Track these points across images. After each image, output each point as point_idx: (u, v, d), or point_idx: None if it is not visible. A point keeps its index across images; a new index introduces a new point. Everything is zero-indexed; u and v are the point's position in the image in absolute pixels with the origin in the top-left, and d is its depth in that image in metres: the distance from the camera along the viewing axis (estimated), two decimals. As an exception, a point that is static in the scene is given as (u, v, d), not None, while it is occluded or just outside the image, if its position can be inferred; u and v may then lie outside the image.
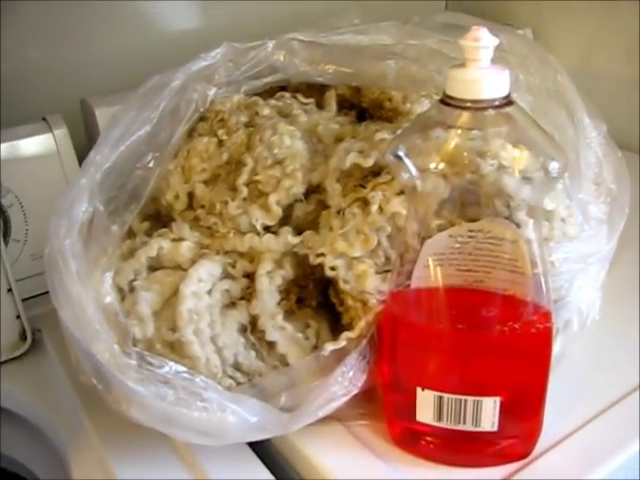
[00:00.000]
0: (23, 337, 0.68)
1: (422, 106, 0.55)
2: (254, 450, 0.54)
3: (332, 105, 0.59)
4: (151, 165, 0.53)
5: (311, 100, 0.58)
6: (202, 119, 0.56)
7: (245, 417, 0.47)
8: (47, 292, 0.73)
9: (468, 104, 0.43)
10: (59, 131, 0.73)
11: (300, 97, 0.58)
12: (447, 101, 0.43)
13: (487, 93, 0.42)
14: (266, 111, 0.55)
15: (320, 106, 0.60)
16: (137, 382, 0.46)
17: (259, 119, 0.55)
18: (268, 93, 0.61)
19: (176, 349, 0.49)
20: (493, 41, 0.42)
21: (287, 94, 0.58)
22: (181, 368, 0.47)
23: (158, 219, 0.57)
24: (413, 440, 0.52)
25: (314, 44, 0.57)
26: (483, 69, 0.42)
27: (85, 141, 0.78)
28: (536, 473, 0.50)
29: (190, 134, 0.56)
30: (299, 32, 0.59)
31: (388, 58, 0.55)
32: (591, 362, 0.56)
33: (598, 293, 0.53)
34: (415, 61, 0.55)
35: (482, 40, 0.41)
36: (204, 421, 0.47)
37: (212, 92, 0.56)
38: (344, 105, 0.62)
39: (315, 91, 0.62)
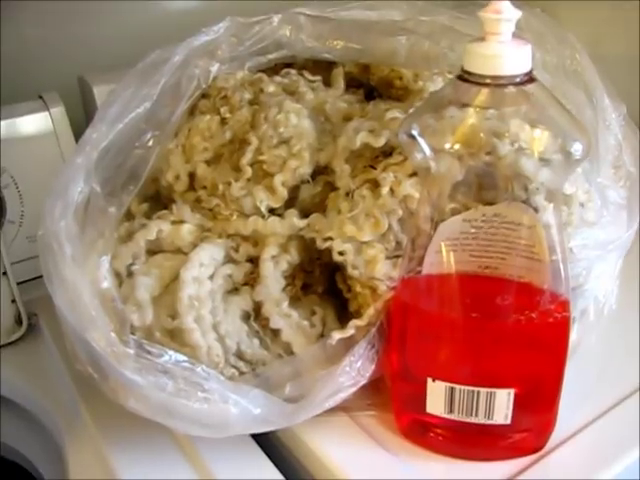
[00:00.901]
0: (19, 321, 0.66)
1: (435, 84, 0.52)
2: (257, 441, 0.52)
3: (340, 83, 0.56)
4: (150, 144, 0.50)
5: (318, 77, 0.56)
6: (204, 96, 0.54)
7: (248, 408, 0.45)
8: (42, 276, 0.73)
9: (488, 80, 0.40)
10: (56, 109, 0.70)
11: (307, 74, 0.55)
12: (465, 77, 0.41)
13: (508, 69, 0.40)
14: (271, 88, 0.53)
15: (327, 84, 0.57)
16: (135, 372, 0.44)
17: (264, 96, 0.52)
18: (273, 70, 0.58)
19: (176, 337, 0.47)
20: (515, 14, 0.39)
21: (293, 71, 0.56)
22: (181, 357, 0.45)
23: (158, 200, 0.55)
24: (422, 432, 0.51)
25: (321, 19, 0.54)
26: (504, 43, 0.40)
27: (83, 120, 0.76)
28: (548, 468, 0.49)
29: (191, 112, 0.54)
30: (306, 6, 0.56)
31: (399, 34, 0.52)
32: (606, 352, 0.54)
33: (615, 281, 0.51)
34: (427, 38, 0.52)
35: (504, 12, 0.39)
36: (205, 413, 0.45)
37: (215, 68, 0.53)
38: (352, 83, 0.59)
39: (322, 69, 0.59)
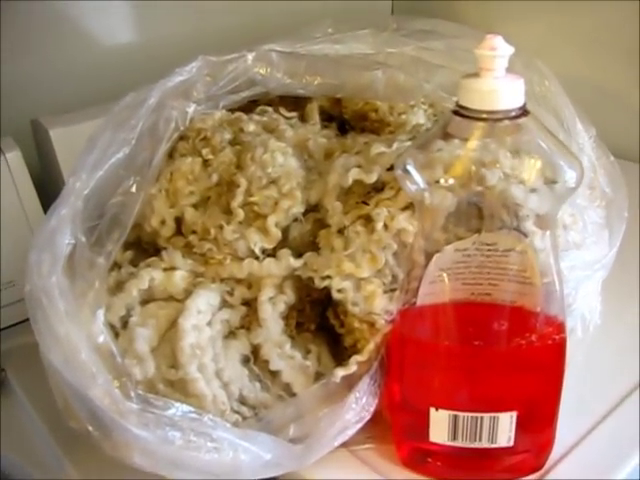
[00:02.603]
0: (-15, 379, 0.63)
1: (417, 116, 0.53)
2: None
3: (315, 118, 0.56)
4: (134, 189, 0.49)
5: (294, 114, 0.56)
6: (182, 138, 0.53)
7: (259, 454, 0.45)
8: (10, 326, 0.70)
9: (484, 115, 0.41)
10: (12, 154, 0.68)
11: (283, 111, 0.55)
12: (461, 112, 0.42)
13: (504, 103, 0.41)
14: (251, 127, 0.53)
15: (301, 119, 0.57)
16: (141, 427, 0.43)
17: (245, 136, 0.52)
18: (242, 108, 0.58)
19: (178, 388, 0.46)
20: (509, 49, 0.40)
21: (269, 108, 0.56)
22: (187, 408, 0.44)
23: (139, 247, 0.53)
24: (422, 460, 0.51)
25: (294, 55, 0.55)
26: (499, 78, 0.41)
27: (37, 164, 0.74)
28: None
29: (170, 154, 0.53)
30: (275, 43, 0.56)
31: (374, 68, 0.53)
32: (591, 366, 0.56)
33: (598, 298, 0.53)
34: (400, 70, 0.53)
35: (498, 49, 0.40)
36: (216, 463, 0.44)
37: (191, 109, 0.52)
38: (323, 117, 0.60)
39: (289, 104, 0.60)
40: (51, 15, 0.79)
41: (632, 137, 0.86)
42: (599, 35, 0.90)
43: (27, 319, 0.69)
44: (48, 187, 0.73)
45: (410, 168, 0.44)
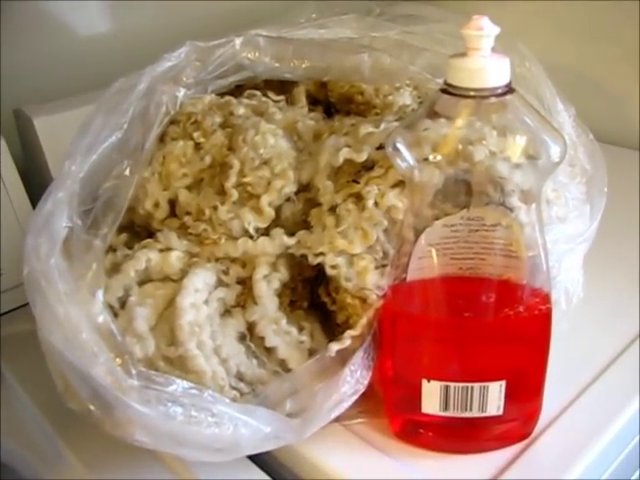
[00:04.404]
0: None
1: (403, 97, 0.54)
2: (254, 462, 0.53)
3: (302, 101, 0.57)
4: (127, 173, 0.50)
5: (282, 97, 0.57)
6: (172, 122, 0.54)
7: (258, 428, 0.46)
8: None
9: (472, 93, 0.43)
10: (-4, 143, 0.68)
11: (272, 95, 0.56)
12: (450, 90, 0.43)
13: (491, 81, 0.42)
14: (241, 110, 0.53)
15: (288, 103, 0.58)
16: (143, 404, 0.44)
17: (235, 119, 0.53)
18: (229, 93, 0.59)
19: (177, 365, 0.47)
20: (495, 29, 0.42)
21: (257, 92, 0.56)
22: (188, 384, 0.45)
23: (132, 230, 0.54)
24: (415, 432, 0.53)
25: (281, 40, 0.56)
26: (485, 57, 0.42)
27: (20, 153, 0.74)
28: (539, 453, 0.51)
29: (161, 139, 0.54)
30: (263, 28, 0.57)
31: (361, 51, 0.54)
32: (576, 338, 0.58)
33: (580, 271, 0.55)
34: (387, 53, 0.54)
35: (485, 29, 0.41)
36: (217, 437, 0.45)
37: (181, 93, 0.53)
38: (309, 101, 0.60)
39: (274, 88, 0.61)
40: (32, 7, 0.78)
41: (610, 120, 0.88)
42: (578, 21, 0.92)
43: (16, 308, 0.71)
44: (32, 176, 0.73)
45: (400, 146, 0.46)
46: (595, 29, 0.93)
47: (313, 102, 0.61)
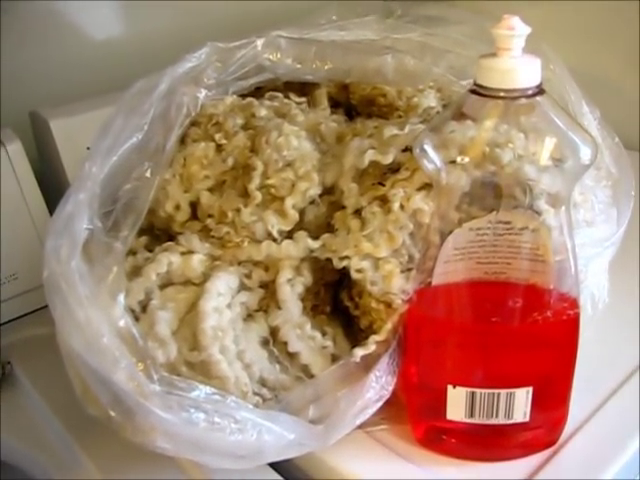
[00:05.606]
0: (-8, 373, 0.62)
1: (428, 99, 0.54)
2: (275, 470, 0.52)
3: (324, 103, 0.57)
4: (148, 174, 0.49)
5: (304, 99, 0.56)
6: (193, 124, 0.53)
7: (282, 434, 0.45)
8: (13, 319, 0.69)
9: (502, 94, 0.42)
10: (12, 146, 0.67)
11: (293, 96, 0.56)
12: (479, 91, 0.43)
13: (522, 82, 0.42)
14: (263, 112, 0.53)
15: (309, 105, 0.58)
16: (165, 409, 0.43)
17: (256, 121, 0.52)
18: (250, 94, 0.58)
19: (200, 370, 0.46)
20: (526, 29, 0.41)
21: (279, 94, 0.56)
22: (211, 390, 0.44)
23: (151, 232, 0.53)
24: (438, 438, 0.52)
25: (303, 41, 0.55)
26: (516, 58, 0.41)
27: (36, 156, 0.73)
28: (566, 461, 0.50)
29: (182, 140, 0.53)
30: (282, 29, 0.56)
31: (384, 53, 0.53)
32: (601, 341, 0.57)
33: (606, 276, 0.54)
34: (410, 55, 0.54)
35: (516, 29, 0.41)
36: (240, 443, 0.44)
37: (202, 95, 0.52)
38: (330, 104, 0.60)
39: (294, 90, 0.60)
40: (48, 10, 0.78)
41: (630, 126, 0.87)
42: (596, 26, 0.91)
43: (30, 312, 0.70)
44: (48, 179, 0.73)
45: (427, 147, 0.45)
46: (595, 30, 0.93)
47: (334, 105, 0.61)
